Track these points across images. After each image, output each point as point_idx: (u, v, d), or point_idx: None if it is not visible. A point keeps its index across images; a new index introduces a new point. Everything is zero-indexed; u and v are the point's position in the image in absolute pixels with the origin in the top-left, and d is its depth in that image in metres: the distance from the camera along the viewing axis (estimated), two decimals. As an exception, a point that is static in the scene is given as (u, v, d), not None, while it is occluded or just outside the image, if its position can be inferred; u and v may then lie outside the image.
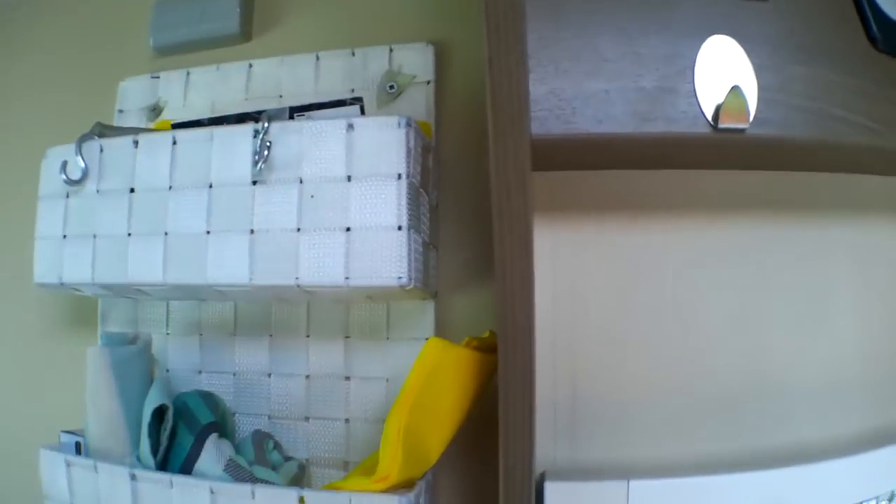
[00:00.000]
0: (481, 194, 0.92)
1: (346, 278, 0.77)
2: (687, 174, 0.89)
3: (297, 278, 0.78)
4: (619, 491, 0.80)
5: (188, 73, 1.05)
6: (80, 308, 1.09)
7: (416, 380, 0.76)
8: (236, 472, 0.82)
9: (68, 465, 0.86)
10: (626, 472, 0.82)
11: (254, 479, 0.82)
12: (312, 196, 0.79)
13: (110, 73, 1.11)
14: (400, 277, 0.76)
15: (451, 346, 0.78)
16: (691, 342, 0.88)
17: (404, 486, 0.77)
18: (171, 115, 1.03)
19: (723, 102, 0.72)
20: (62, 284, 0.89)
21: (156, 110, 1.05)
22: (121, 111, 1.08)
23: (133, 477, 0.81)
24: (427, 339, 0.80)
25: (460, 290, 0.92)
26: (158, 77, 1.07)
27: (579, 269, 0.88)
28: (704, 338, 0.88)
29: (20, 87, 1.21)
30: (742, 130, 0.73)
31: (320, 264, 0.78)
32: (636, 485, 0.80)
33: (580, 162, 0.86)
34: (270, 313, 0.96)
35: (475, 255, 0.93)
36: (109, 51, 1.15)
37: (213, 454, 0.83)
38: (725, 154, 0.82)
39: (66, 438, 0.92)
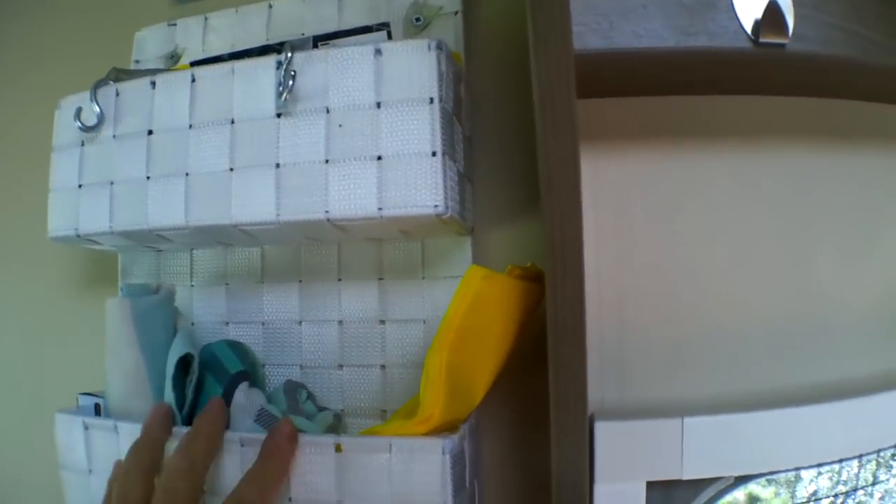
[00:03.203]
0: (516, 127, 0.89)
1: (379, 209, 0.72)
2: (729, 100, 0.85)
3: (327, 212, 0.73)
4: (673, 429, 0.77)
5: (206, 19, 1.00)
6: (99, 266, 1.06)
7: (457, 311, 0.72)
8: (269, 423, 0.78)
9: (86, 427, 0.82)
10: (677, 410, 0.78)
11: (288, 428, 0.78)
12: (340, 125, 0.75)
13: (126, 24, 1.06)
14: (436, 206, 0.71)
15: (493, 274, 0.73)
16: (739, 275, 0.84)
17: (447, 428, 0.72)
18: (189, 60, 0.98)
19: (762, 16, 0.69)
20: (78, 236, 0.85)
21: (174, 58, 1.00)
22: (137, 62, 1.03)
23: (158, 434, 0.76)
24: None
25: (498, 226, 0.88)
26: (175, 25, 1.02)
27: (622, 198, 0.84)
28: (752, 270, 0.84)
29: (32, 43, 1.18)
30: (783, 45, 0.70)
31: (351, 196, 0.73)
32: (691, 422, 0.77)
33: (618, 87, 0.82)
34: (299, 257, 0.91)
35: (512, 189, 0.88)
36: (124, 2, 1.11)
37: (243, 405, 0.78)
38: (766, 74, 0.78)
39: (84, 401, 0.87)
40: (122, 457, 0.76)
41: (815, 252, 0.84)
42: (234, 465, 0.74)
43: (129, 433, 0.77)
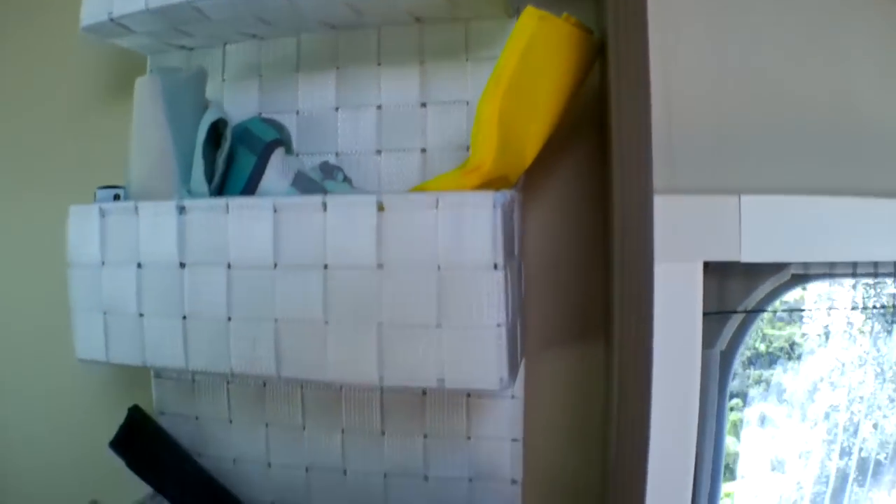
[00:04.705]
0: None
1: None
2: None
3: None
4: (731, 206, 0.75)
5: None
6: (126, 72, 1.00)
7: (511, 55, 0.67)
8: (305, 186, 0.74)
9: (103, 214, 0.77)
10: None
11: (324, 192, 0.74)
12: None
13: None
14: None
15: (550, 16, 0.68)
16: (780, 75, 0.81)
17: (497, 187, 0.68)
18: None
19: None
20: (111, 20, 0.81)
21: None
22: None
23: (181, 210, 0.72)
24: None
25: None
26: None
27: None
28: (792, 73, 0.81)
29: None
30: None
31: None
32: (749, 200, 0.75)
33: None
34: (337, 46, 0.87)
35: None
36: None
37: (279, 169, 0.74)
38: None
39: (102, 194, 0.82)
40: (141, 243, 0.73)
41: (851, 63, 0.81)
42: (265, 232, 0.69)
43: (151, 214, 0.74)
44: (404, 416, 0.85)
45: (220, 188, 0.77)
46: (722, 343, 0.80)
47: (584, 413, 0.84)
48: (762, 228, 0.74)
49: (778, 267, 0.78)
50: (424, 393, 0.84)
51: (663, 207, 0.71)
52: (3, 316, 1.12)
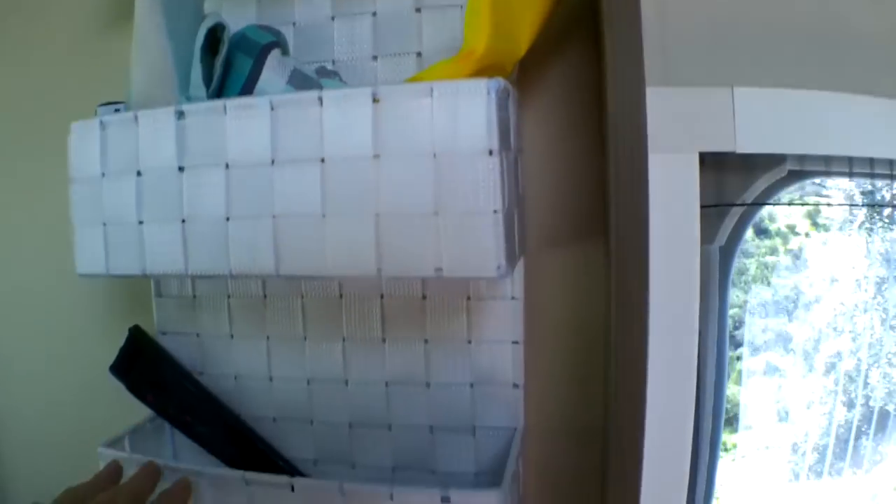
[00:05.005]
0: None
1: None
2: None
3: None
4: (724, 98, 0.74)
5: None
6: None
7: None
8: (301, 83, 0.74)
9: (103, 127, 0.76)
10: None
11: (320, 88, 0.74)
12: None
13: None
14: None
15: None
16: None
17: (492, 74, 0.68)
18: None
19: None
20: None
21: None
22: None
23: (180, 115, 0.72)
24: None
25: None
26: None
27: None
28: None
29: None
30: None
31: None
32: (742, 92, 0.74)
33: None
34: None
35: None
36: None
37: (275, 69, 0.75)
38: None
39: (103, 110, 0.83)
40: (140, 151, 0.74)
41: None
42: (263, 129, 0.69)
43: (150, 123, 0.73)
44: (404, 322, 0.86)
45: (217, 93, 0.77)
46: (721, 238, 0.80)
47: (585, 313, 0.84)
48: (757, 119, 0.74)
49: (774, 161, 0.78)
50: (424, 297, 0.85)
51: (656, 99, 0.71)
52: (4, 243, 1.13)
